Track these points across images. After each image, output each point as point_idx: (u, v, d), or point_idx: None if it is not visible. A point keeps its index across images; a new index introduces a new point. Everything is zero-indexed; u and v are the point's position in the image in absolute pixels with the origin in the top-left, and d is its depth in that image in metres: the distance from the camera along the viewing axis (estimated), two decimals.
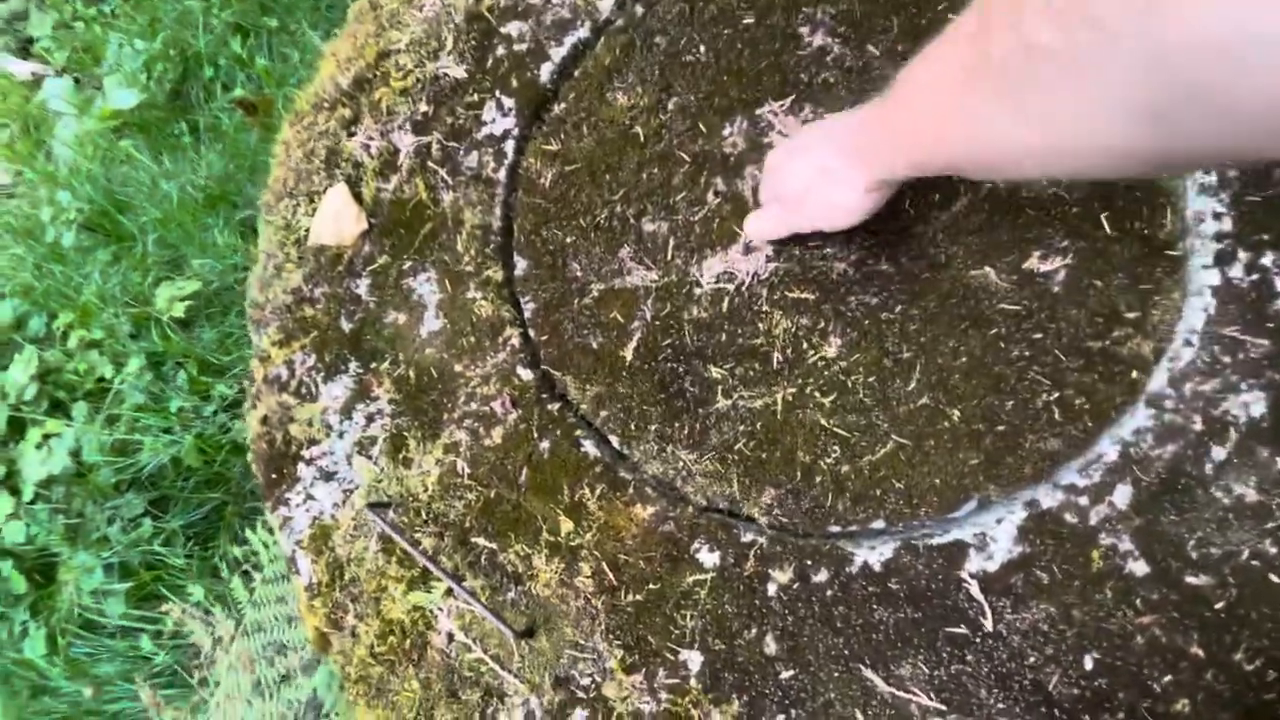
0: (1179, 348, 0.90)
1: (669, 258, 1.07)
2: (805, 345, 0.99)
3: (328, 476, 1.11)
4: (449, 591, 1.02)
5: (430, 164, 1.20)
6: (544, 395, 1.08)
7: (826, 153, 0.91)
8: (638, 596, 0.94)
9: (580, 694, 0.93)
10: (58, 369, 2.15)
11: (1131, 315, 0.91)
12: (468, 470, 1.05)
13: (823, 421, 0.96)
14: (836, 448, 0.96)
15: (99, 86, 2.66)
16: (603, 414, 1.01)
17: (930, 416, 0.95)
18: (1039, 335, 0.93)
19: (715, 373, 0.99)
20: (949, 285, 0.98)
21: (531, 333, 1.08)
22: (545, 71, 1.21)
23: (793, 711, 0.87)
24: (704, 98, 1.13)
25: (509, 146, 1.19)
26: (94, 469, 2.07)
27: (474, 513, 1.04)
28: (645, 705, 0.91)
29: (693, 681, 0.90)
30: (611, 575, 0.96)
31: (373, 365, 1.13)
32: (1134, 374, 0.90)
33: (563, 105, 1.16)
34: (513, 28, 1.24)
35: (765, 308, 1.02)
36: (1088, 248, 0.94)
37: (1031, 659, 0.83)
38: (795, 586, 0.91)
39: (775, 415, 0.97)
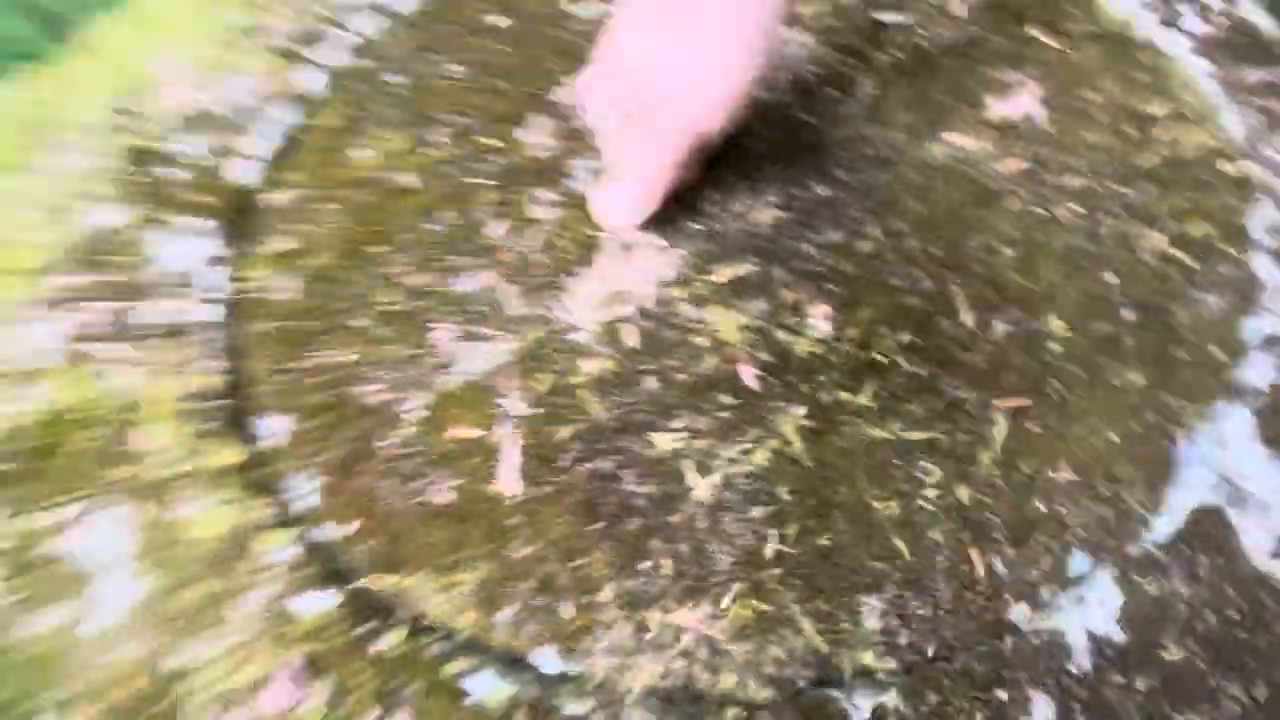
0: None
1: (511, 311, 0.50)
2: (781, 336, 0.46)
3: None
4: None
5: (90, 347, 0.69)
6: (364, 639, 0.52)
7: (666, 17, 0.45)
8: None
9: None
10: None
11: (1162, 110, 0.52)
12: None
13: (878, 434, 0.41)
14: (930, 464, 0.40)
15: None
16: (505, 614, 0.39)
17: (1027, 345, 0.44)
18: (1075, 180, 0.48)
19: (668, 442, 0.43)
20: (917, 178, 0.50)
21: (317, 532, 0.44)
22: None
23: None
24: (477, 114, 0.59)
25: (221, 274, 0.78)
26: None
27: None
28: None
29: None
30: None
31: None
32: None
33: (288, 194, 0.57)
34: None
35: (692, 313, 0.47)
36: (1044, 71, 0.55)
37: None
38: None
39: (799, 462, 0.41)
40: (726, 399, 0.43)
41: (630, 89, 0.45)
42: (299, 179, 0.61)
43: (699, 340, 0.46)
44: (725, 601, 0.39)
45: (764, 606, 0.39)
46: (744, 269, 0.48)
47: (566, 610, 0.39)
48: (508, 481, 0.42)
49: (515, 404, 0.46)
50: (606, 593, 0.39)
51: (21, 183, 0.71)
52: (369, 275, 0.55)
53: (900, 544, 0.40)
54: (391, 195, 0.60)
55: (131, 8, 0.79)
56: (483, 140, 0.62)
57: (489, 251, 0.54)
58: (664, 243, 0.52)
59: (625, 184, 0.48)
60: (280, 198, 0.61)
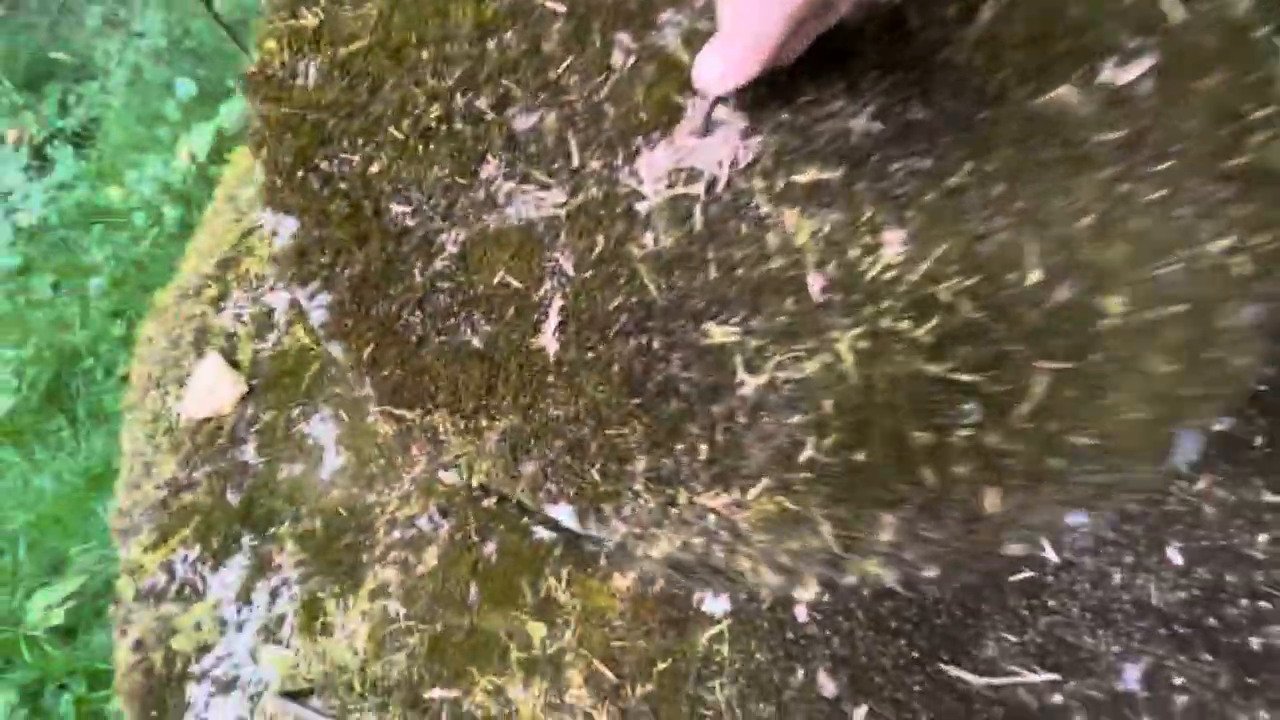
0: None
1: (575, 162, 0.43)
2: (853, 253, 0.41)
3: (227, 687, 0.62)
4: None
5: None
6: (475, 492, 0.64)
7: None
8: (649, 687, 0.51)
9: None
10: None
11: (1261, 113, 0.44)
12: (403, 611, 0.59)
13: (929, 368, 0.40)
14: (971, 405, 0.40)
15: None
16: (528, 468, 0.39)
17: (1081, 314, 0.42)
18: (1164, 164, 0.43)
19: (720, 334, 0.41)
20: (1017, 124, 0.44)
21: (336, 347, 0.42)
22: None
23: None
24: None
25: None
26: None
27: (421, 660, 0.57)
28: None
29: None
30: (609, 672, 0.52)
31: (270, 531, 0.66)
32: None
33: None
34: None
35: (766, 208, 0.42)
36: (1167, 42, 0.46)
37: (1117, 578, 0.49)
38: (827, 599, 0.50)
39: (846, 380, 0.40)
40: (788, 304, 0.40)
41: None
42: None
43: (770, 238, 0.40)
44: (753, 493, 0.37)
45: (789, 505, 0.37)
46: (828, 174, 0.42)
47: (594, 474, 0.37)
48: (551, 339, 0.37)
49: (565, 261, 0.40)
50: (637, 465, 0.37)
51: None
52: (410, 80, 0.45)
53: (927, 471, 0.37)
54: None
55: None
56: None
57: (555, 89, 0.44)
58: (749, 124, 0.44)
59: (733, 36, 0.40)
60: None
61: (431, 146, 0.44)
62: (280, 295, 0.87)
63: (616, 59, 0.45)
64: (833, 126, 0.44)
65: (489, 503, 0.65)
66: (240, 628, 0.65)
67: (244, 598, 0.67)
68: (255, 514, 0.71)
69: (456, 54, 0.45)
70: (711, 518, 0.37)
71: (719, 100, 0.42)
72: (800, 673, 0.50)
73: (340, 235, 0.41)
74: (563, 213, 0.42)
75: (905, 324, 0.40)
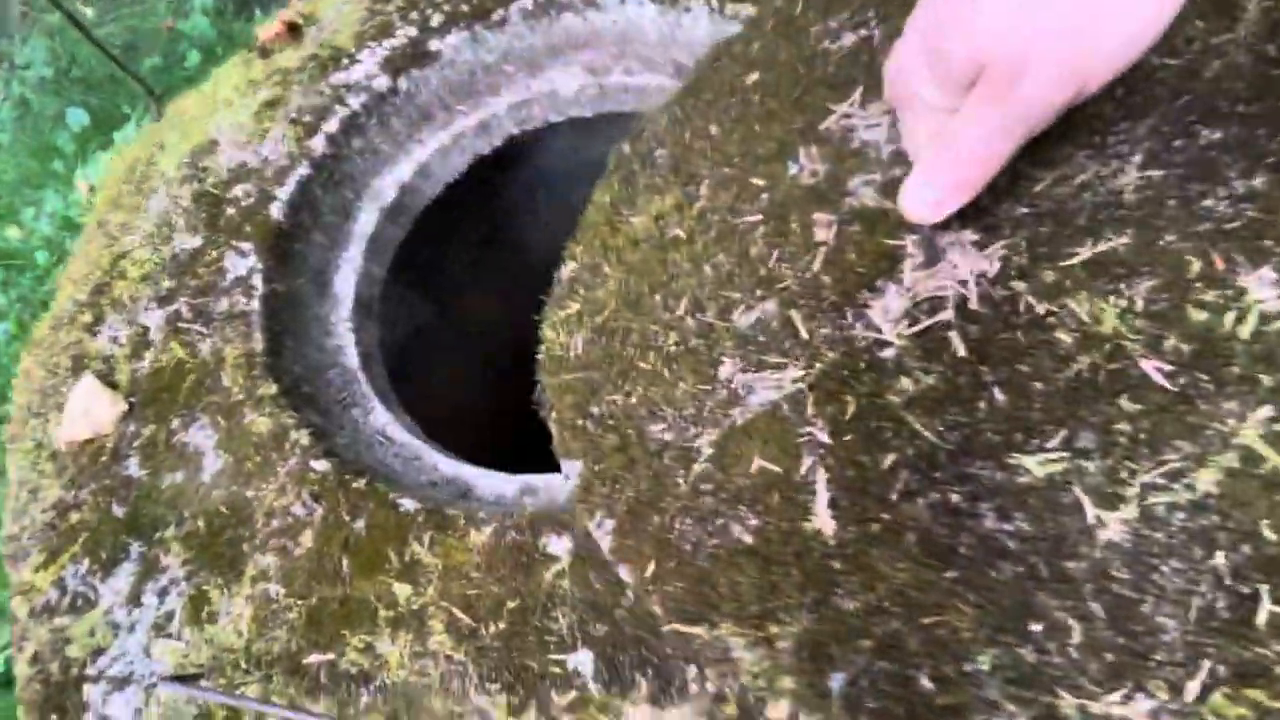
0: None
1: (804, 335, 0.39)
2: (1200, 315, 0.28)
3: (122, 683, 0.59)
4: None
5: (182, 325, 0.75)
6: (346, 476, 0.62)
7: None
8: (501, 625, 0.52)
9: None
10: None
11: None
12: (282, 591, 0.58)
13: None
14: None
15: None
16: (838, 682, 0.28)
17: None
18: None
19: (1040, 467, 0.27)
20: None
21: (623, 570, 0.39)
22: (275, 210, 0.85)
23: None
24: (741, 158, 0.47)
25: (257, 280, 0.78)
26: None
27: (300, 632, 0.56)
28: None
29: (591, 685, 0.48)
30: (466, 617, 0.52)
31: (156, 536, 0.64)
32: None
33: (571, 266, 0.54)
34: (238, 190, 0.84)
35: (1043, 307, 0.31)
36: None
37: None
38: None
39: (1275, 483, 0.19)
40: (1125, 404, 0.27)
41: (974, 41, 0.28)
42: (581, 251, 0.53)
43: (1061, 337, 0.29)
44: (1192, 688, 0.23)
45: (1270, 701, 0.22)
46: (1108, 244, 0.30)
47: (924, 682, 0.27)
48: (825, 518, 0.32)
49: (820, 432, 0.34)
50: (980, 661, 0.25)
51: (128, 217, 0.85)
52: (648, 322, 0.47)
53: None
54: (661, 247, 0.49)
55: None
56: (751, 181, 0.46)
57: (769, 281, 0.43)
58: (978, 236, 0.33)
59: (943, 164, 0.32)
60: (569, 271, 0.53)
61: (675, 367, 0.44)
62: (153, 314, 0.75)
63: (820, 234, 0.42)
64: (1092, 197, 0.32)
65: (360, 484, 0.60)
66: (132, 628, 0.58)
67: (134, 600, 0.61)
68: (141, 522, 0.63)
69: (680, 289, 0.46)
70: None
71: (939, 226, 0.34)
72: (631, 594, 0.49)
73: (613, 465, 0.43)
74: (804, 385, 0.37)
75: None
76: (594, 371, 0.48)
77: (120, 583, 0.66)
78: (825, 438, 0.36)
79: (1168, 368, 0.29)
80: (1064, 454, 0.29)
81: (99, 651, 0.63)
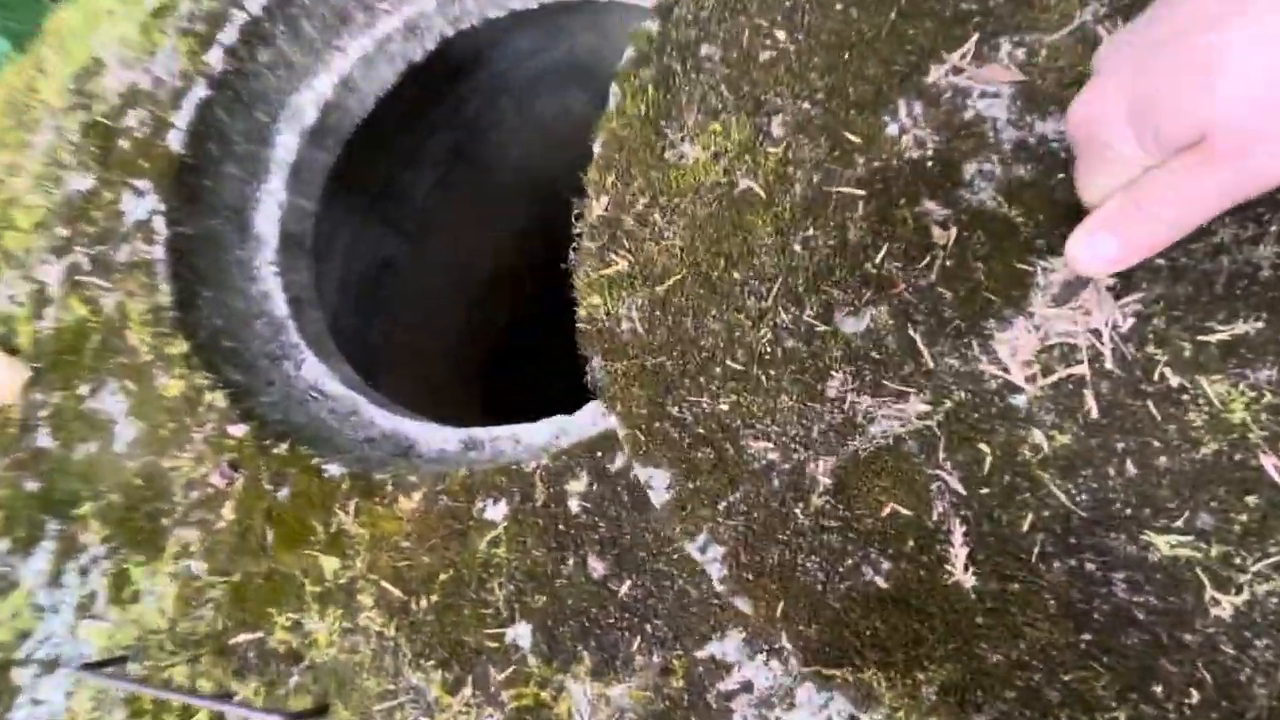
0: None
1: (927, 361, 0.34)
2: None
3: (51, 666, 0.57)
4: (220, 717, 0.50)
5: (81, 278, 0.68)
6: (266, 442, 0.58)
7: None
8: (434, 598, 0.48)
9: None
10: None
11: None
12: (205, 567, 0.55)
13: None
14: None
15: None
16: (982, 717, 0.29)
17: None
18: None
19: (1167, 545, 0.28)
20: None
21: (743, 603, 0.38)
22: (174, 140, 0.74)
23: (648, 626, 0.42)
24: (828, 97, 0.39)
25: (159, 223, 0.70)
26: None
27: (225, 611, 0.53)
28: (492, 717, 0.43)
29: (530, 660, 0.45)
30: (397, 590, 0.49)
31: (73, 512, 0.60)
32: None
33: (603, 201, 0.43)
34: (130, 118, 0.74)
35: (1176, 379, 0.28)
36: None
37: None
38: (595, 487, 0.47)
39: None
40: (1248, 498, 0.27)
41: (1203, 114, 0.25)
42: (614, 182, 0.40)
43: (1192, 417, 0.27)
44: None
45: None
46: (1244, 327, 0.28)
47: None
48: (965, 574, 0.32)
49: (952, 479, 0.33)
50: (1116, 716, 0.30)
51: (13, 157, 0.74)
52: (730, 307, 0.38)
53: None
54: (734, 205, 0.39)
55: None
56: (844, 135, 0.37)
57: (878, 282, 0.36)
58: (1114, 282, 0.31)
59: (1135, 223, 0.29)
60: (600, 207, 0.40)
61: (772, 372, 0.37)
62: (50, 267, 0.68)
63: (935, 234, 0.35)
64: (1229, 262, 0.30)
65: (281, 449, 0.56)
66: (56, 609, 0.55)
67: (55, 581, 0.58)
68: (56, 498, 0.59)
69: (767, 268, 0.37)
70: None
71: None
72: (571, 560, 0.46)
73: (712, 484, 0.37)
74: (932, 423, 0.33)
75: None
76: (663, 358, 0.41)
77: (40, 563, 0.62)
78: (959, 486, 0.34)
79: None
80: (1188, 536, 0.30)
81: (25, 635, 0.61)
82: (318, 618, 0.49)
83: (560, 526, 0.48)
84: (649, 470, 0.40)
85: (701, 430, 0.39)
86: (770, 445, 0.38)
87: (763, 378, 0.39)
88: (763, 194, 0.39)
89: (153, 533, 0.58)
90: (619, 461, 0.47)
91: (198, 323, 0.66)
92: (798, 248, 0.39)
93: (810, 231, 0.39)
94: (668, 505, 0.39)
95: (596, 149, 0.44)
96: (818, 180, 0.39)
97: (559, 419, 0.61)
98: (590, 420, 0.57)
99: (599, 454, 0.48)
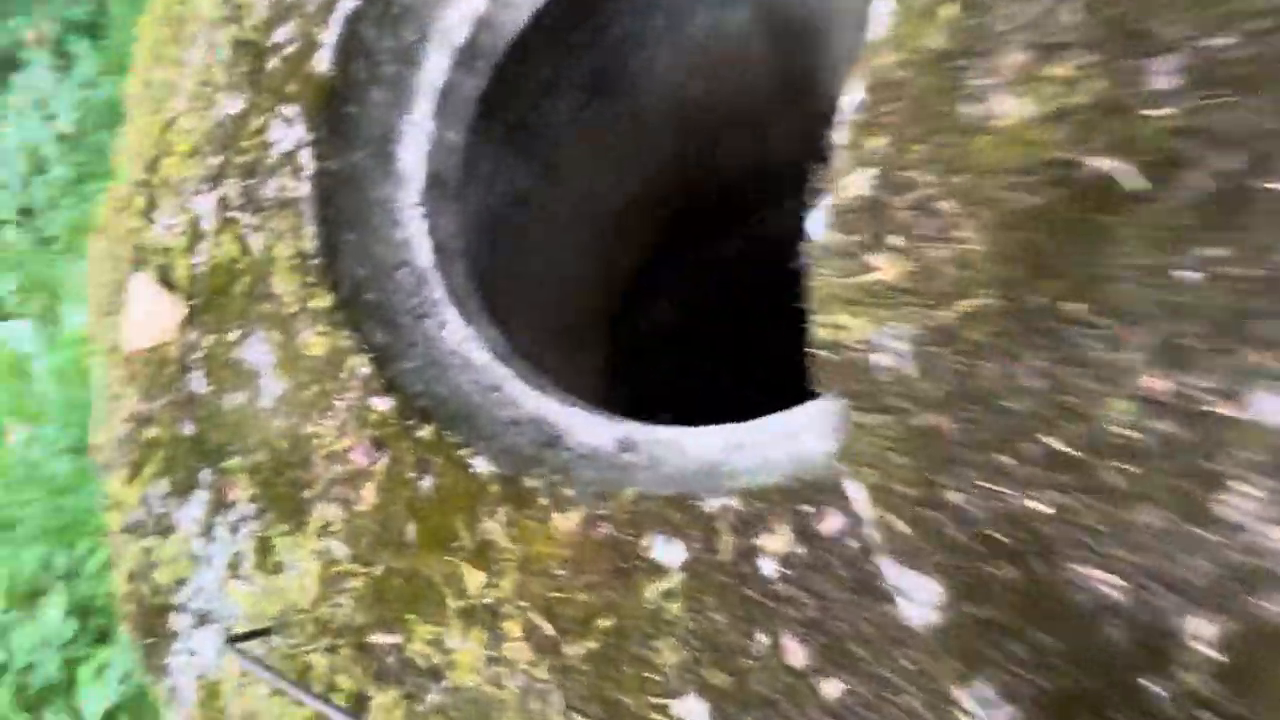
0: None
1: None
2: None
3: (203, 620, 0.57)
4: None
5: (231, 214, 0.64)
6: (409, 421, 0.53)
7: None
8: (591, 645, 0.41)
9: None
10: (90, 597, 1.27)
11: None
12: (346, 552, 0.52)
13: None
14: None
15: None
16: None
17: None
18: None
19: None
20: None
21: None
22: (322, 60, 0.68)
23: None
24: (1226, 43, 0.22)
25: (305, 156, 0.65)
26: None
27: (365, 604, 0.50)
28: None
29: None
30: (548, 626, 0.43)
31: (223, 465, 0.59)
32: None
33: (868, 175, 0.29)
34: (280, 33, 0.68)
35: None
36: None
37: None
38: (800, 552, 0.36)
39: None
40: None
41: None
42: (882, 146, 0.27)
43: None
44: None
45: None
46: None
47: None
48: None
49: None
50: None
51: (170, 73, 0.69)
52: (1058, 356, 0.24)
53: None
54: (1081, 198, 0.24)
55: None
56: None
57: None
58: None
59: None
60: (858, 183, 0.27)
61: (1130, 468, 0.24)
62: (202, 198, 0.64)
63: None
64: None
65: (424, 433, 0.52)
66: (209, 562, 0.54)
67: (207, 532, 0.57)
68: (207, 446, 0.58)
69: (1132, 302, 0.23)
70: None
71: None
72: (762, 636, 0.37)
73: (1010, 619, 0.25)
74: None
75: None
76: (944, 418, 0.28)
77: (195, 510, 0.62)
78: None
79: None
80: None
81: (181, 581, 0.62)
82: (460, 637, 0.44)
83: (750, 592, 0.39)
84: (906, 575, 0.29)
85: (999, 535, 0.27)
86: (1114, 578, 0.25)
87: (1111, 473, 0.25)
88: (1135, 183, 0.25)
89: (296, 504, 0.56)
90: (832, 523, 0.37)
91: (342, 272, 0.60)
92: (1191, 275, 0.24)
93: (1218, 251, 0.25)
94: (934, 630, 0.26)
95: (855, 96, 0.31)
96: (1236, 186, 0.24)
97: (733, 429, 0.51)
98: (768, 437, 0.47)
99: (803, 507, 0.38)
